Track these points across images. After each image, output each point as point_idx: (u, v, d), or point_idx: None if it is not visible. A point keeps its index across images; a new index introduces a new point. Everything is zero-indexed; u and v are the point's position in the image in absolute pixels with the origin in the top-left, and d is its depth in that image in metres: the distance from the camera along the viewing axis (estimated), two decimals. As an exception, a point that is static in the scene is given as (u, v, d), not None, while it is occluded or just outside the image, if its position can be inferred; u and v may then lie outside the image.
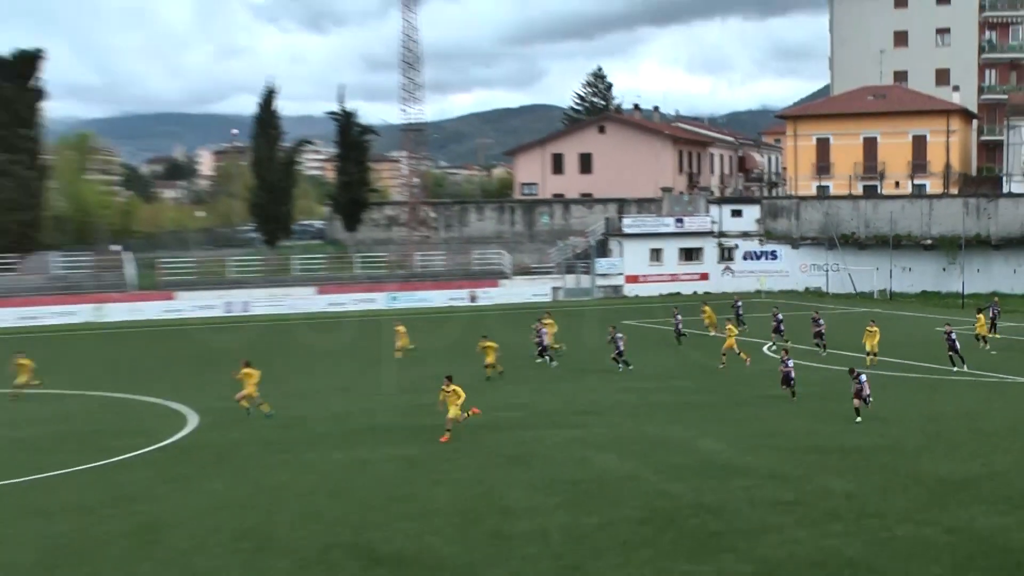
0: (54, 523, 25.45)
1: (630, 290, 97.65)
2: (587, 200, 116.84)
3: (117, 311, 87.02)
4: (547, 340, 52.32)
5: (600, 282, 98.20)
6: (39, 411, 41.97)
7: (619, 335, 49.37)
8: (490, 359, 46.29)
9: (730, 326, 52.59)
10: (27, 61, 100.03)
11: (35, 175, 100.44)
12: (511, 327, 62.87)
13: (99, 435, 36.32)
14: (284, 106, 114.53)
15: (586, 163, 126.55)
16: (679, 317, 60.41)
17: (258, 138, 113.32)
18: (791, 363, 40.11)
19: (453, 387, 34.03)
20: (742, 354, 49.91)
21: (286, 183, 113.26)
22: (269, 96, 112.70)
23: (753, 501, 26.12)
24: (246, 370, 38.68)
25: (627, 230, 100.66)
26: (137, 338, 73.26)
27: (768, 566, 21.38)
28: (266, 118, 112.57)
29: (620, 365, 48.68)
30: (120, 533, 24.39)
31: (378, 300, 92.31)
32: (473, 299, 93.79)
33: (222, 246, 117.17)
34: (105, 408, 42.44)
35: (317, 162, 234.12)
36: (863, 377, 36.08)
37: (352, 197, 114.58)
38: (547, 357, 51.49)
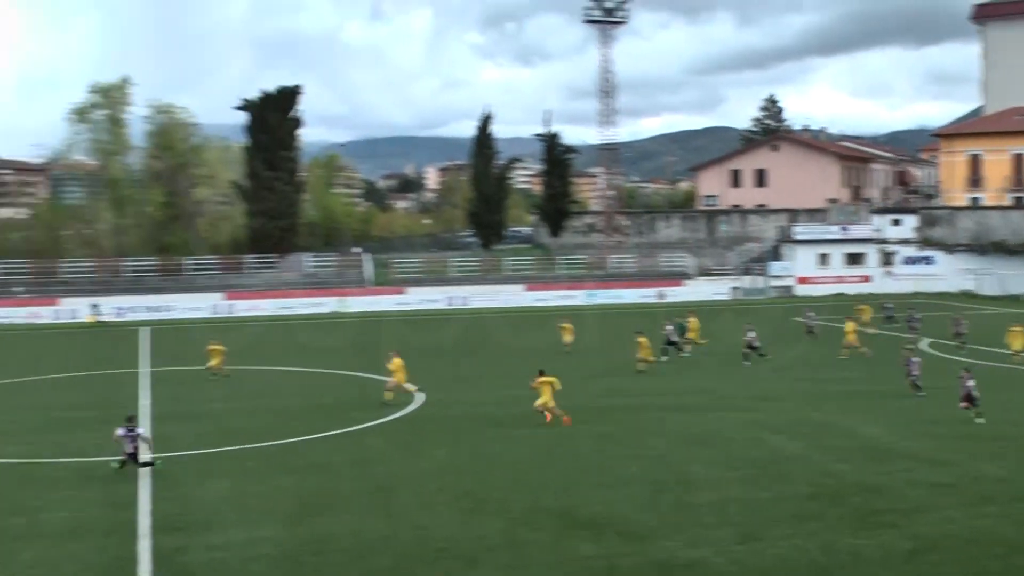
0: (304, 480, 26.08)
1: (801, 290, 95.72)
2: (762, 210, 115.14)
3: (357, 303, 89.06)
4: (688, 335, 51.20)
5: (773, 283, 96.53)
6: (293, 385, 43.15)
7: (751, 331, 48.02)
8: (643, 354, 45.43)
9: (850, 322, 50.80)
10: (288, 95, 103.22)
11: (293, 189, 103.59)
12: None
13: (342, 407, 37.10)
14: (498, 129, 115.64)
15: (761, 178, 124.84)
16: (811, 315, 59.07)
17: (476, 157, 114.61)
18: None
19: (543, 378, 33.30)
20: (862, 348, 48.92)
21: (500, 195, 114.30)
22: (486, 121, 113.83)
23: (912, 483, 25.20)
24: (396, 360, 37.93)
25: (798, 237, 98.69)
26: (373, 326, 74.71)
27: (926, 542, 20.61)
28: (483, 140, 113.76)
29: (747, 361, 47.06)
30: (359, 490, 24.85)
31: (577, 297, 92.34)
32: (661, 297, 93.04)
33: (445, 249, 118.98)
34: (348, 385, 43.36)
35: (526, 177, 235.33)
36: (970, 382, 33.02)
37: (556, 207, 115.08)
38: (678, 348, 50.19)
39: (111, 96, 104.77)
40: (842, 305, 71.65)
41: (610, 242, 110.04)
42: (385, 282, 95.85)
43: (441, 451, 29.33)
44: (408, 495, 24.37)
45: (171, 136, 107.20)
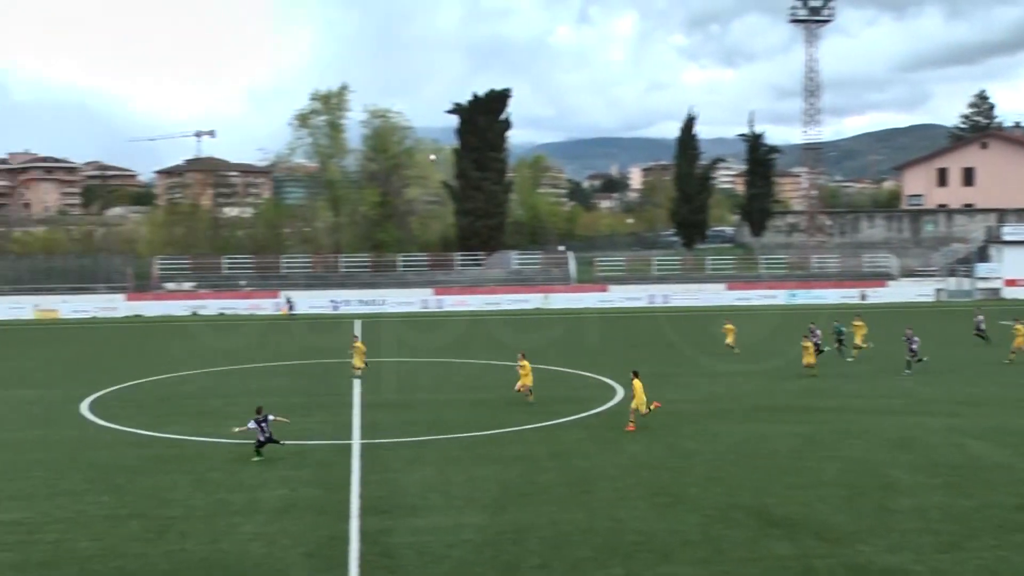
0: (506, 470, 26.36)
1: (1009, 293, 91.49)
2: (969, 210, 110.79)
3: (560, 300, 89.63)
4: (855, 339, 49.11)
5: (980, 285, 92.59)
6: (496, 379, 43.67)
7: (914, 337, 44.94)
8: (807, 359, 43.80)
9: (1018, 325, 47.87)
10: (497, 98, 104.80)
11: (501, 189, 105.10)
12: (883, 325, 60.02)
13: (544, 400, 37.34)
14: (701, 130, 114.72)
15: (968, 176, 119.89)
16: (980, 318, 56.30)
17: (679, 157, 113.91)
18: None
19: (636, 381, 32.11)
20: None
21: (702, 195, 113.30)
22: (689, 122, 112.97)
23: None
24: (523, 362, 37.14)
25: (1007, 237, 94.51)
26: (576, 323, 74.97)
27: None
28: (686, 140, 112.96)
29: (909, 369, 43.91)
30: (558, 482, 24.98)
31: (779, 296, 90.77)
32: (863, 298, 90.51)
33: (647, 247, 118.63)
34: (550, 379, 43.61)
35: (729, 177, 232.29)
36: None
37: (758, 207, 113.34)
38: (838, 350, 48.53)
39: (330, 102, 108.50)
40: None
41: (812, 242, 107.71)
42: (588, 280, 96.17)
43: (637, 446, 29.20)
44: (605, 488, 24.36)
45: (386, 139, 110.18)
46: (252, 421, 27.90)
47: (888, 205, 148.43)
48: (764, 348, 52.76)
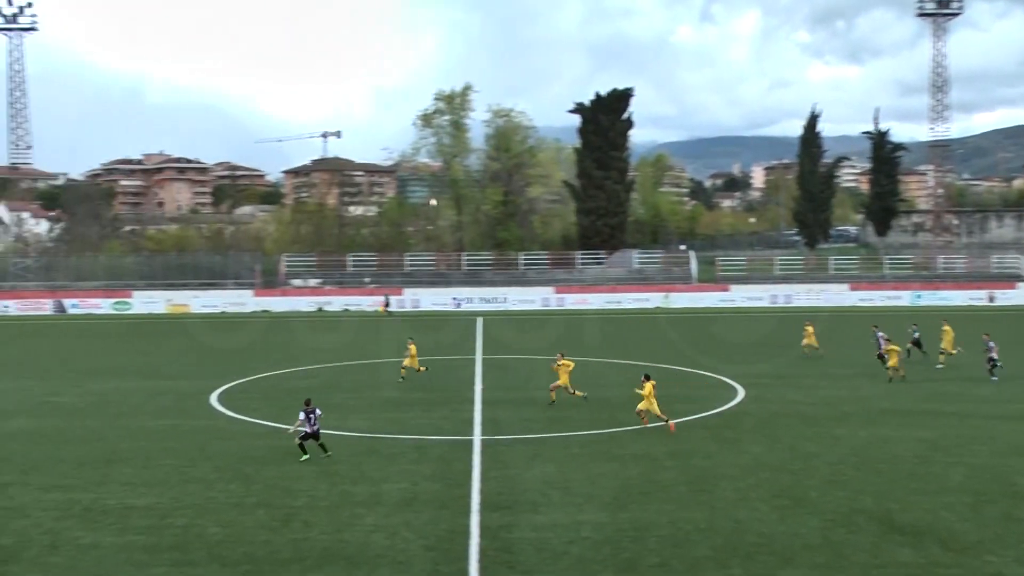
0: (626, 468, 26.24)
1: None
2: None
3: (681, 299, 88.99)
4: (942, 344, 46.62)
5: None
6: (617, 377, 43.51)
7: (991, 343, 42.82)
8: (892, 362, 42.36)
9: None
10: (620, 98, 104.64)
11: (622, 188, 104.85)
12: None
13: (664, 400, 37.00)
14: (825, 128, 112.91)
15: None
16: None
17: (802, 155, 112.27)
18: None
19: (650, 383, 31.42)
20: None
21: (825, 194, 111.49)
22: (812, 120, 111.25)
23: None
24: (563, 361, 36.28)
25: None
26: (697, 322, 74.36)
27: None
28: (809, 138, 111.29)
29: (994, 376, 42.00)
30: (678, 481, 24.78)
31: (903, 298, 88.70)
32: (991, 299, 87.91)
33: (769, 247, 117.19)
34: (670, 378, 43.27)
35: (852, 175, 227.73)
36: None
37: (883, 206, 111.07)
38: (922, 352, 46.74)
39: (454, 102, 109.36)
40: None
41: (939, 242, 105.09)
42: (709, 279, 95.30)
43: (758, 447, 28.83)
44: (725, 488, 24.09)
45: (508, 138, 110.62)
46: (301, 412, 27.80)
47: (1018, 204, 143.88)
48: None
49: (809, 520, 21.50)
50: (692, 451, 28.23)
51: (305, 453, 27.51)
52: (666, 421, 31.06)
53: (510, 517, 21.84)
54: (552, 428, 31.70)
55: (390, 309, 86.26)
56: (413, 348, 43.30)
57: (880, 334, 46.34)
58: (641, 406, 31.36)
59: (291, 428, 28.55)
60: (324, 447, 27.75)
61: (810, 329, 51.63)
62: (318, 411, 27.92)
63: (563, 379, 36.05)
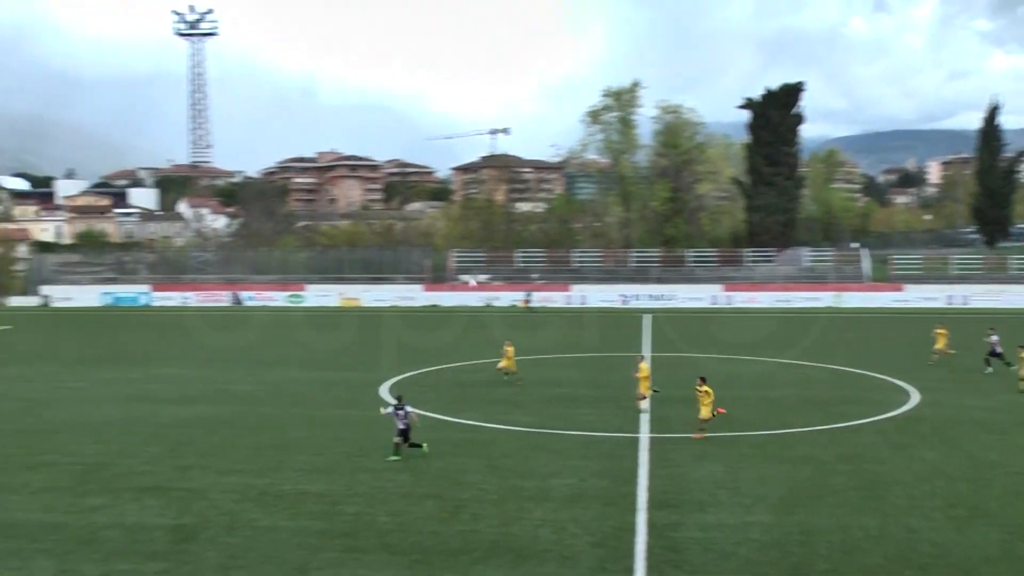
0: (795, 470, 25.80)
1: None
2: None
3: (853, 299, 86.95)
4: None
5: None
6: (787, 377, 42.81)
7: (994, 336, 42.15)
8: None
9: None
10: (790, 92, 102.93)
11: (792, 184, 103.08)
12: None
13: (835, 402, 36.36)
14: (1006, 120, 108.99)
15: None
16: None
17: (982, 150, 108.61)
18: None
19: (705, 388, 29.84)
20: None
21: (1006, 189, 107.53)
22: (993, 112, 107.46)
23: None
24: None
25: None
26: (869, 323, 72.54)
27: None
28: (990, 131, 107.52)
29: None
30: (848, 486, 24.21)
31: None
32: None
33: (946, 245, 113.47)
34: (841, 379, 42.38)
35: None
36: None
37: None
38: (1004, 361, 43.23)
39: (622, 99, 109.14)
40: None
41: None
42: (882, 278, 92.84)
43: (934, 453, 27.93)
44: (899, 495, 23.43)
45: (677, 134, 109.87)
46: (391, 407, 27.71)
47: None
48: None
49: (989, 532, 20.73)
50: (864, 455, 27.54)
51: (396, 454, 27.15)
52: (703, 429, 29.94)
53: (677, 516, 21.73)
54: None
55: (531, 305, 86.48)
56: (511, 349, 41.68)
57: (993, 336, 44.35)
58: (702, 415, 29.85)
59: (381, 410, 28.78)
60: (412, 444, 27.39)
61: (942, 332, 48.12)
62: (408, 408, 27.53)
63: (643, 386, 34.34)
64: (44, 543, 20.47)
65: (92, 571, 18.83)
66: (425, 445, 27.64)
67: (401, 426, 27.27)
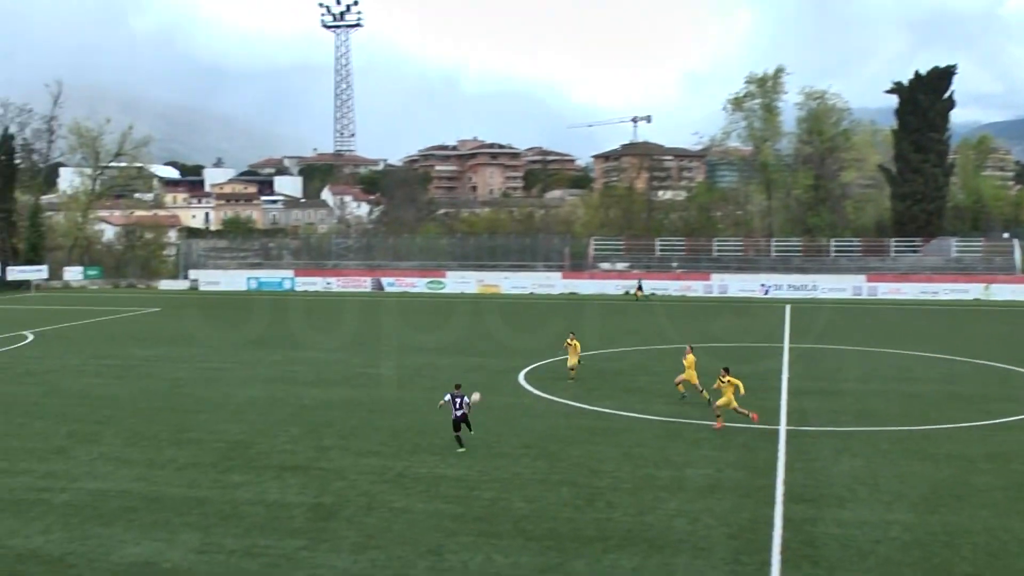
0: (938, 468, 25.13)
1: None
2: None
3: (1003, 291, 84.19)
4: None
5: None
6: (930, 372, 41.71)
7: None
8: None
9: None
10: (940, 76, 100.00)
11: (941, 172, 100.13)
12: None
13: (982, 398, 35.28)
14: None
15: None
16: None
17: None
18: None
19: (729, 378, 29.34)
20: None
21: None
22: None
23: None
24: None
25: None
26: (1020, 317, 70.10)
27: None
28: None
29: None
30: (995, 486, 23.45)
31: None
32: None
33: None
34: (989, 375, 41.10)
35: None
36: None
37: None
38: None
39: (766, 85, 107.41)
40: None
41: None
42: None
43: (1090, 453, 26.88)
44: (1049, 495, 22.66)
45: (821, 121, 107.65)
46: (448, 394, 27.02)
47: None
48: None
49: None
50: (1012, 454, 26.63)
51: (461, 446, 26.82)
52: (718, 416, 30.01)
53: (814, 511, 21.39)
54: (861, 422, 30.73)
55: (645, 293, 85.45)
56: (577, 344, 39.48)
57: None
58: (721, 402, 29.71)
59: (439, 404, 27.78)
60: (464, 434, 27.01)
61: None
62: (465, 397, 26.91)
63: (689, 374, 34.06)
64: (188, 516, 21.23)
65: (233, 545, 19.45)
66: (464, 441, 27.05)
67: (457, 414, 26.72)
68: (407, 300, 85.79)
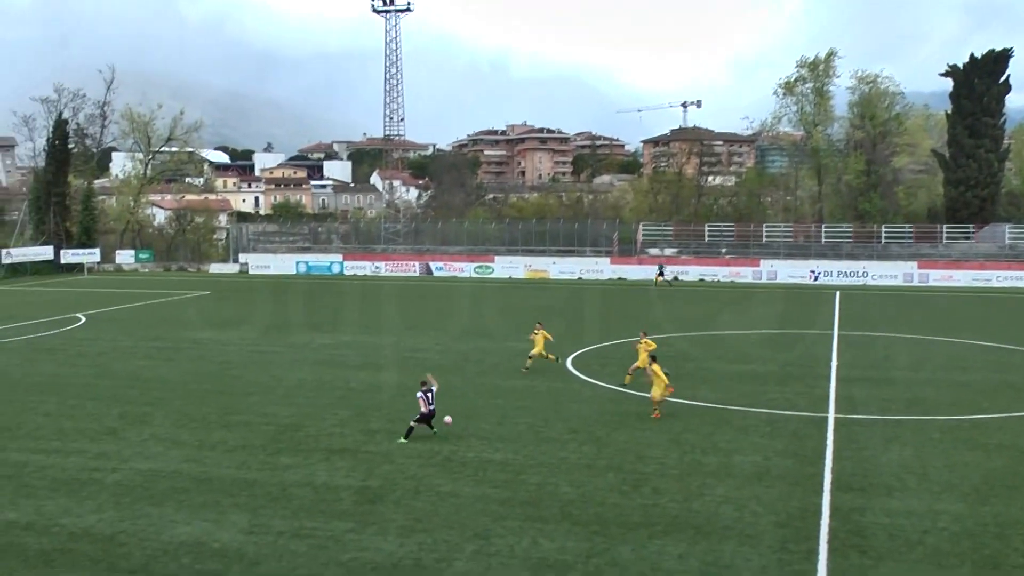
0: (990, 458, 24.86)
1: None
2: None
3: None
4: None
5: None
6: (982, 360, 41.16)
7: None
8: None
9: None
10: (997, 59, 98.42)
11: (995, 157, 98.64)
12: None
13: (1034, 387, 34.89)
14: None
15: None
16: None
17: None
18: None
19: (655, 367, 29.36)
20: None
21: None
22: None
23: None
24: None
25: None
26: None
27: None
28: None
29: None
30: (1049, 476, 23.22)
31: None
32: None
33: None
34: (1043, 363, 40.57)
35: None
36: None
37: None
38: None
39: (817, 69, 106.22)
40: None
41: None
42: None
43: None
44: (1104, 486, 22.33)
45: (873, 105, 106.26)
46: (419, 392, 26.67)
47: None
48: None
49: None
50: (1068, 444, 26.30)
51: (434, 430, 26.62)
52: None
53: (863, 500, 21.24)
54: (911, 410, 30.46)
55: (667, 278, 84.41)
56: (543, 334, 38.25)
57: None
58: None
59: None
60: (431, 426, 26.70)
61: None
62: (435, 388, 26.83)
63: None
64: (238, 498, 21.48)
65: (282, 526, 19.64)
66: (436, 430, 26.89)
67: (425, 410, 26.51)
68: (455, 284, 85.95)
